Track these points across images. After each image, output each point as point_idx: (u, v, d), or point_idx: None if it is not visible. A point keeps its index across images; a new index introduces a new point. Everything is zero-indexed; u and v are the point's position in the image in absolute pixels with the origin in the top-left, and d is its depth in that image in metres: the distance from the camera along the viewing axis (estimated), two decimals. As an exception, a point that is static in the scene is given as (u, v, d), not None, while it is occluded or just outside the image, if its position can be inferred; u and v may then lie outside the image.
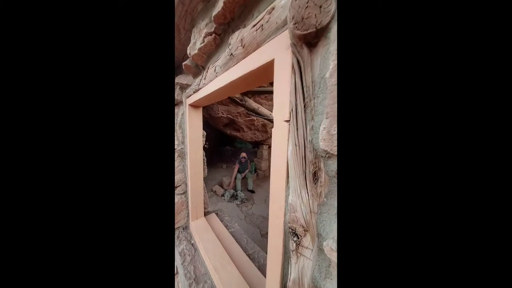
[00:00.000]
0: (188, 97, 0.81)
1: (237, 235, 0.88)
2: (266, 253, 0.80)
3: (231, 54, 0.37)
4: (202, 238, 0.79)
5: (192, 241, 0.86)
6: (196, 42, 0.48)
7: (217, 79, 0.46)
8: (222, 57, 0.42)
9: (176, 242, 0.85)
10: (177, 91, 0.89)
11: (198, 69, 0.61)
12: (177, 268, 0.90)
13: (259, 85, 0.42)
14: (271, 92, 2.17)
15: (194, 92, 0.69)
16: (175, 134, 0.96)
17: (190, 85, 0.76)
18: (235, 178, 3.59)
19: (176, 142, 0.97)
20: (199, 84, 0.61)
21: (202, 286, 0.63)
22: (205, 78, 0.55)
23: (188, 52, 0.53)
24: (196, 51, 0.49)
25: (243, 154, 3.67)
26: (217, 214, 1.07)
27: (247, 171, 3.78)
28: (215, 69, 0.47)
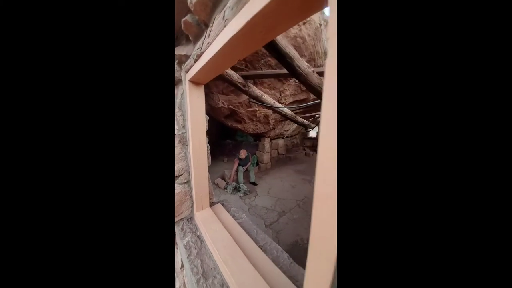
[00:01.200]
0: (187, 72, 0.70)
1: (246, 226, 0.82)
2: (279, 244, 0.74)
3: (250, -22, 0.27)
4: (209, 229, 0.72)
5: (198, 233, 0.79)
6: (199, -19, 0.37)
7: (227, 28, 0.36)
8: (234, -7, 0.32)
9: (181, 235, 0.79)
10: (176, 67, 0.78)
11: (200, 29, 0.50)
12: (182, 262, 0.84)
13: (295, 18, 0.30)
14: (276, 76, 2.03)
15: (195, 61, 0.58)
16: (175, 117, 0.86)
17: (190, 55, 0.65)
18: (236, 171, 3.54)
19: (176, 127, 0.87)
20: (201, 47, 0.50)
21: (212, 281, 0.56)
22: (209, 35, 0.44)
23: (189, 1, 0.42)
24: (198, -5, 0.38)
25: (243, 152, 3.58)
26: (222, 204, 1.00)
27: (249, 164, 3.72)
28: (223, 16, 0.36)
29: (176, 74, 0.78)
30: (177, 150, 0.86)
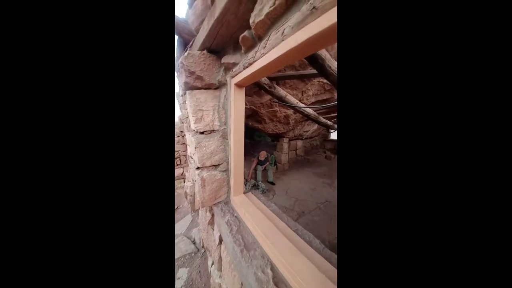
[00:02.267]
0: (233, 77, 0.83)
1: (277, 214, 0.91)
2: (310, 231, 0.80)
3: (314, 7, 0.36)
4: (248, 210, 0.84)
5: (235, 214, 0.91)
6: (264, 8, 0.48)
7: (285, 42, 0.46)
8: (295, 16, 0.42)
9: (221, 214, 0.92)
10: (221, 73, 0.93)
11: (254, 42, 0.61)
12: (220, 239, 0.98)
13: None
14: (301, 77, 2.08)
15: (244, 68, 0.70)
16: (218, 115, 1.01)
17: (238, 63, 0.77)
18: (255, 169, 3.66)
19: (218, 124, 1.02)
20: (254, 57, 0.61)
21: (253, 253, 0.66)
22: (264, 47, 0.55)
23: (251, 21, 0.53)
24: (262, 17, 0.49)
25: (262, 154, 3.70)
26: (252, 194, 1.11)
27: (267, 163, 3.80)
28: (282, 32, 0.46)
29: (221, 79, 0.92)
30: (218, 143, 1.00)
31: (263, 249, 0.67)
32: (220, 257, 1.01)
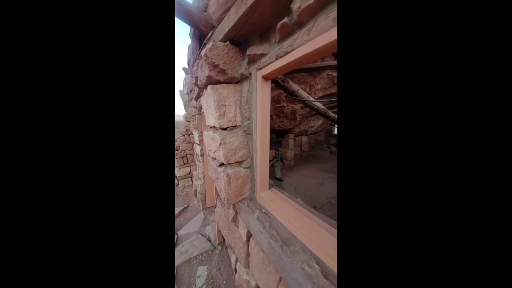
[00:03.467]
0: (260, 69, 0.80)
1: (306, 208, 0.89)
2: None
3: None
4: (279, 206, 0.82)
5: (263, 210, 0.90)
6: (314, -11, 0.45)
7: (335, 28, 0.43)
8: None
9: (248, 211, 0.91)
10: (243, 65, 0.90)
11: (292, 29, 0.58)
12: (248, 234, 0.97)
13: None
14: (312, 70, 2.03)
15: (277, 58, 0.67)
16: (240, 110, 0.98)
17: (266, 54, 0.74)
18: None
19: (240, 119, 0.99)
20: (292, 45, 0.58)
21: (293, 248, 0.65)
22: (308, 34, 0.52)
23: (297, 6, 0.50)
24: (311, 2, 0.46)
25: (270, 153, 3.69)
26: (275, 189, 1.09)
27: (274, 160, 3.79)
28: (334, 18, 0.43)
29: (244, 72, 0.89)
30: (241, 139, 0.98)
31: (303, 244, 0.65)
32: (247, 254, 1.00)
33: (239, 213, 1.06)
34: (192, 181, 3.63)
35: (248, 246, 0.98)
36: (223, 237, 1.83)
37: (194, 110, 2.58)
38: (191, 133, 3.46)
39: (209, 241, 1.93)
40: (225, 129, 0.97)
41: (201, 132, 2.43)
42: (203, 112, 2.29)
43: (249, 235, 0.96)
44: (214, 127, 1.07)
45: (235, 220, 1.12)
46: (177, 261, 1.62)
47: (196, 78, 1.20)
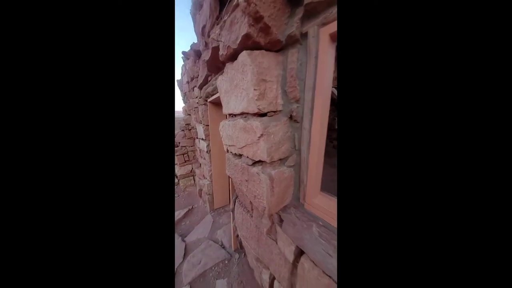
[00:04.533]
0: (326, 24, 0.55)
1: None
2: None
3: None
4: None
5: (322, 222, 0.67)
6: None
7: None
8: None
9: (300, 224, 0.68)
10: (293, 23, 0.63)
11: None
12: (297, 251, 0.75)
13: None
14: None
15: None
16: (281, 90, 0.73)
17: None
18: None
19: (281, 101, 0.74)
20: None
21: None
22: None
23: None
24: None
25: None
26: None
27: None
28: None
29: (295, 32, 0.63)
30: (284, 128, 0.73)
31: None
32: (291, 273, 0.79)
33: (278, 224, 0.83)
34: (194, 180, 3.37)
35: (295, 266, 0.76)
36: (239, 243, 1.62)
37: (197, 101, 2.26)
38: (192, 128, 3.14)
39: (223, 247, 1.71)
40: (264, 114, 0.72)
41: (207, 125, 2.14)
42: (210, 102, 1.99)
43: (297, 253, 0.74)
44: (243, 113, 0.81)
45: (270, 232, 0.89)
46: (190, 276, 1.39)
47: (215, 50, 0.92)
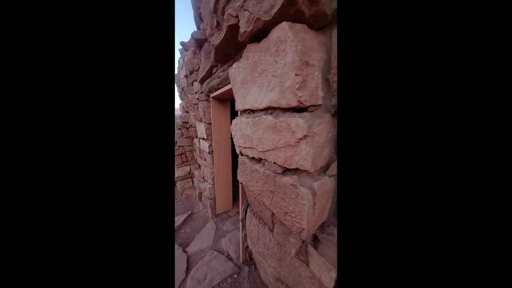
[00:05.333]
0: None
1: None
2: None
3: None
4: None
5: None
6: None
7: None
8: None
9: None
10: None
11: None
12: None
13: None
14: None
15: None
16: (323, 79, 0.57)
17: None
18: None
19: (321, 93, 0.58)
20: None
21: None
22: None
23: None
24: None
25: None
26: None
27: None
28: None
29: None
30: (327, 128, 0.58)
31: None
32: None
33: (311, 244, 0.68)
34: (193, 182, 3.16)
35: (337, 300, 0.62)
36: (249, 255, 1.47)
37: (197, 97, 2.06)
38: (191, 126, 2.92)
39: (230, 259, 1.55)
40: (303, 109, 0.56)
41: (209, 124, 1.95)
42: (213, 97, 1.80)
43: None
44: (268, 108, 0.64)
45: (302, 253, 0.74)
46: (195, 296, 1.23)
47: (230, 29, 0.74)
